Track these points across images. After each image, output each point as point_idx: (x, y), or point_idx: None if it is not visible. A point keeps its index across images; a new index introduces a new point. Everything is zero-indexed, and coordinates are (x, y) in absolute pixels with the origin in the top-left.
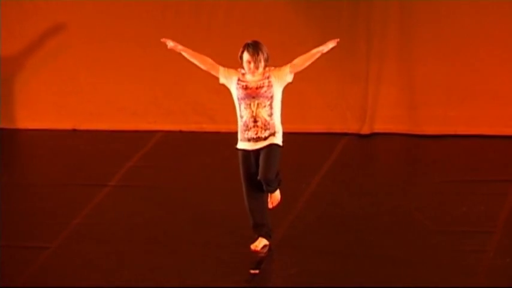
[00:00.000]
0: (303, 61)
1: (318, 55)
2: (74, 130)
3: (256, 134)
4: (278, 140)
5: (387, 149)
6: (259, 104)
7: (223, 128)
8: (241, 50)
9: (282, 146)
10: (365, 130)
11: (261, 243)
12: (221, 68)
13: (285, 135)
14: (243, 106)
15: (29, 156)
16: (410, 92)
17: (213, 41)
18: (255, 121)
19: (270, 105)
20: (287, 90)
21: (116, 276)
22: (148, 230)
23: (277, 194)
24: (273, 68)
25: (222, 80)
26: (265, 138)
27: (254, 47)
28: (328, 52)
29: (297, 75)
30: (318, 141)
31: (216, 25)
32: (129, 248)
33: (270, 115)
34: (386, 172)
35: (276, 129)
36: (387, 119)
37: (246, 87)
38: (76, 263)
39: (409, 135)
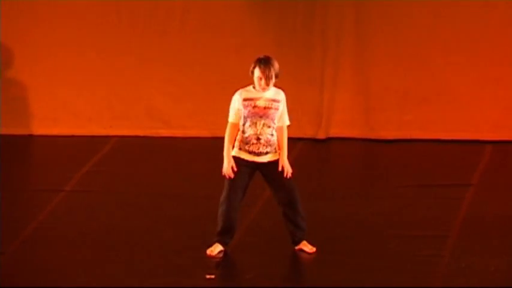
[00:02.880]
0: (280, 136)
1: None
2: (29, 135)
3: (258, 149)
4: (277, 155)
5: (343, 153)
6: (265, 124)
7: (178, 133)
8: (252, 65)
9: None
10: (320, 135)
11: (216, 248)
12: (234, 121)
13: None
14: (248, 124)
15: None
16: (366, 97)
17: (168, 45)
18: (258, 139)
19: (274, 126)
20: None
21: (71, 281)
22: (103, 236)
23: (310, 247)
24: (284, 98)
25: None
26: (266, 153)
27: (266, 63)
28: (283, 57)
29: (252, 80)
30: None
31: (171, 29)
32: (85, 254)
33: (272, 135)
34: (342, 177)
35: (276, 146)
36: (343, 124)
37: (254, 106)
38: (31, 268)
39: (365, 139)
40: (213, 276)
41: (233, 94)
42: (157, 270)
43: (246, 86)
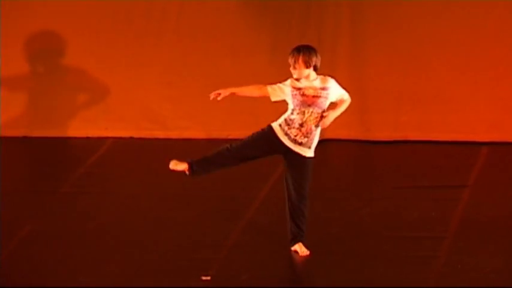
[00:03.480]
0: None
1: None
2: (25, 137)
3: (295, 136)
4: (311, 153)
5: (338, 154)
6: (313, 113)
7: (174, 134)
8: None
9: (314, 157)
10: None
11: (182, 166)
12: (269, 88)
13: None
14: (296, 111)
15: None
16: (362, 98)
17: (163, 47)
18: (301, 125)
19: (321, 117)
20: (239, 97)
21: (67, 282)
22: (100, 237)
23: (304, 250)
24: (334, 82)
25: (274, 99)
26: (300, 144)
27: (297, 49)
28: (278, 59)
29: (247, 82)
30: None
31: (166, 31)
32: (81, 255)
33: (316, 126)
34: (337, 178)
35: (314, 142)
36: (338, 125)
37: (302, 94)
38: (27, 269)
39: (360, 141)
40: (208, 278)
41: (228, 96)
42: (153, 271)
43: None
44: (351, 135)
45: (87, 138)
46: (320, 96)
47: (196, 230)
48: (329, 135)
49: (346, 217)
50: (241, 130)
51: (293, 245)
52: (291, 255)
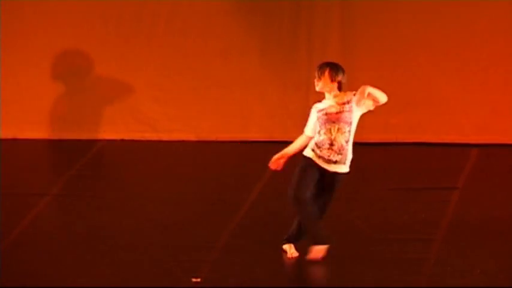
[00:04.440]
0: (375, 95)
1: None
2: (14, 139)
3: (329, 156)
4: (346, 168)
5: None
6: (340, 129)
7: (164, 136)
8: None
9: (349, 172)
10: None
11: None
12: (309, 131)
13: (226, 144)
14: (323, 131)
15: None
16: None
17: (153, 49)
18: (331, 144)
19: (349, 131)
20: (227, 97)
21: (56, 284)
22: (89, 239)
23: (294, 251)
24: (354, 92)
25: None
26: (335, 162)
27: (326, 62)
28: (269, 60)
29: (239, 84)
30: (259, 149)
31: (157, 34)
32: (70, 257)
33: (347, 141)
34: None
35: (348, 157)
36: None
37: (326, 114)
38: (18, 271)
39: None
40: (199, 280)
41: (218, 97)
42: (143, 273)
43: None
44: None
45: (78, 140)
46: (343, 111)
47: (187, 232)
48: None
49: (336, 219)
50: (231, 133)
51: (285, 243)
52: (280, 258)
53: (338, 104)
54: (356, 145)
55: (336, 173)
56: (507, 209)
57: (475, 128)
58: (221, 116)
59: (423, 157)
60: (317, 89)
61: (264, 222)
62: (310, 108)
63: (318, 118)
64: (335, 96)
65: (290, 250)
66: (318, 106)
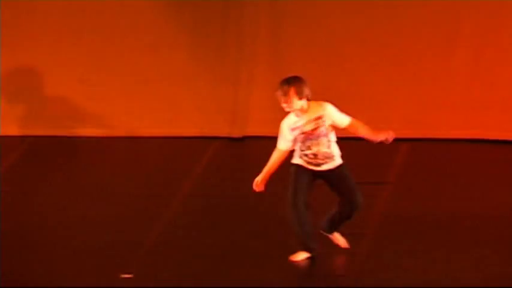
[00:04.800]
0: (356, 129)
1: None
2: None
3: (317, 162)
4: (339, 159)
5: (259, 152)
6: (319, 143)
7: (94, 132)
8: None
9: (342, 164)
10: (236, 133)
11: (301, 256)
12: (282, 147)
13: (156, 139)
14: (304, 147)
15: None
16: None
17: (83, 46)
18: (315, 155)
19: (329, 140)
20: (157, 93)
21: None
22: (20, 236)
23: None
24: (330, 106)
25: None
26: (326, 163)
27: (286, 81)
28: (198, 56)
29: (168, 79)
30: (189, 145)
31: (85, 29)
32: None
33: (329, 146)
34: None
35: (335, 153)
36: (258, 122)
37: (302, 132)
38: None
39: None
40: (130, 276)
41: (148, 92)
42: (74, 269)
43: None
44: (271, 132)
45: (8, 136)
46: (319, 126)
47: (117, 228)
48: (249, 133)
49: (265, 214)
50: (160, 128)
51: (330, 234)
52: (211, 253)
53: (311, 120)
54: None
55: (330, 170)
56: (438, 203)
57: (406, 123)
58: (151, 112)
59: (353, 152)
60: (287, 109)
61: (194, 218)
62: (239, 102)
63: (296, 137)
64: (305, 112)
65: (339, 241)
66: (290, 124)
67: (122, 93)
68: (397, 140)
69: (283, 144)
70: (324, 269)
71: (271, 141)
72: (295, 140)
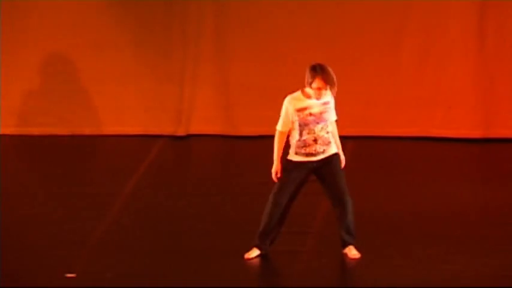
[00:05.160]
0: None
1: None
2: None
3: (315, 150)
4: (334, 148)
5: (203, 150)
6: (323, 127)
7: (35, 131)
8: (309, 75)
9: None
10: (181, 132)
11: (253, 253)
12: (282, 127)
13: (100, 138)
14: (305, 131)
15: None
16: (226, 93)
17: (26, 44)
18: (315, 140)
19: (328, 125)
20: (102, 91)
21: None
22: None
23: (355, 252)
24: (330, 94)
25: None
26: (323, 151)
27: (327, 73)
28: (143, 55)
29: (113, 78)
30: (134, 143)
31: (29, 28)
32: None
33: (328, 132)
34: (202, 173)
35: (331, 140)
36: (203, 121)
37: (310, 114)
38: None
39: (225, 136)
40: (73, 275)
41: (92, 91)
42: (17, 269)
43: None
44: (215, 130)
45: None
46: (325, 111)
47: (61, 228)
48: (194, 131)
49: (210, 212)
50: (105, 126)
51: (344, 248)
52: (153, 253)
53: (321, 104)
54: (230, 138)
55: (326, 159)
56: (382, 201)
57: (350, 121)
58: (95, 110)
59: None
60: (314, 96)
61: (139, 216)
62: (184, 101)
63: (300, 117)
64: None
65: (350, 252)
66: (297, 104)
67: (66, 92)
68: (341, 138)
69: (285, 126)
70: (268, 268)
71: (215, 139)
72: (298, 124)
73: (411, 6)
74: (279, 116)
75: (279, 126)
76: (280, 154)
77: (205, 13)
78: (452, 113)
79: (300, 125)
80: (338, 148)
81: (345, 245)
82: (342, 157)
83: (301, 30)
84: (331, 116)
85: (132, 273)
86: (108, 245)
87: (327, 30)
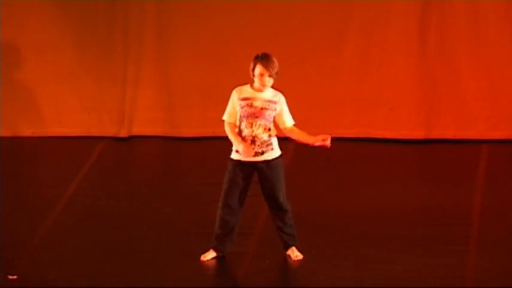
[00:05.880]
0: (295, 134)
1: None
2: None
3: (253, 149)
4: (276, 152)
5: (145, 151)
6: (261, 125)
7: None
8: (252, 63)
9: (281, 155)
10: (123, 133)
11: (210, 255)
12: (228, 117)
13: (42, 139)
14: (244, 124)
15: None
16: (168, 94)
17: None
18: (253, 141)
19: (270, 128)
20: (43, 92)
21: None
22: None
23: (298, 254)
24: (284, 99)
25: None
26: (262, 153)
27: (267, 60)
28: (84, 56)
29: (54, 79)
30: (76, 145)
31: None
32: None
33: (269, 136)
34: (145, 175)
35: (274, 142)
36: (145, 122)
37: (250, 105)
38: None
39: (167, 137)
40: (15, 277)
41: (33, 92)
42: None
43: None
44: (157, 131)
45: None
46: (268, 109)
47: (2, 229)
48: (136, 132)
49: (151, 214)
50: (46, 128)
51: (286, 250)
52: (95, 254)
53: (265, 99)
54: (172, 139)
55: (265, 161)
56: (325, 202)
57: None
58: (37, 111)
59: None
60: (256, 85)
61: (80, 218)
62: (126, 102)
63: (241, 107)
64: (264, 92)
65: (293, 254)
66: (242, 93)
67: (7, 93)
68: (282, 139)
69: (231, 115)
70: (212, 270)
71: (157, 140)
72: (239, 115)
73: (353, 7)
74: (221, 117)
75: (225, 116)
76: (237, 136)
77: (147, 14)
78: (394, 114)
79: (240, 116)
80: (308, 137)
81: (287, 246)
82: (314, 138)
83: (243, 31)
84: (287, 121)
85: (74, 274)
86: (49, 247)
87: (269, 31)
